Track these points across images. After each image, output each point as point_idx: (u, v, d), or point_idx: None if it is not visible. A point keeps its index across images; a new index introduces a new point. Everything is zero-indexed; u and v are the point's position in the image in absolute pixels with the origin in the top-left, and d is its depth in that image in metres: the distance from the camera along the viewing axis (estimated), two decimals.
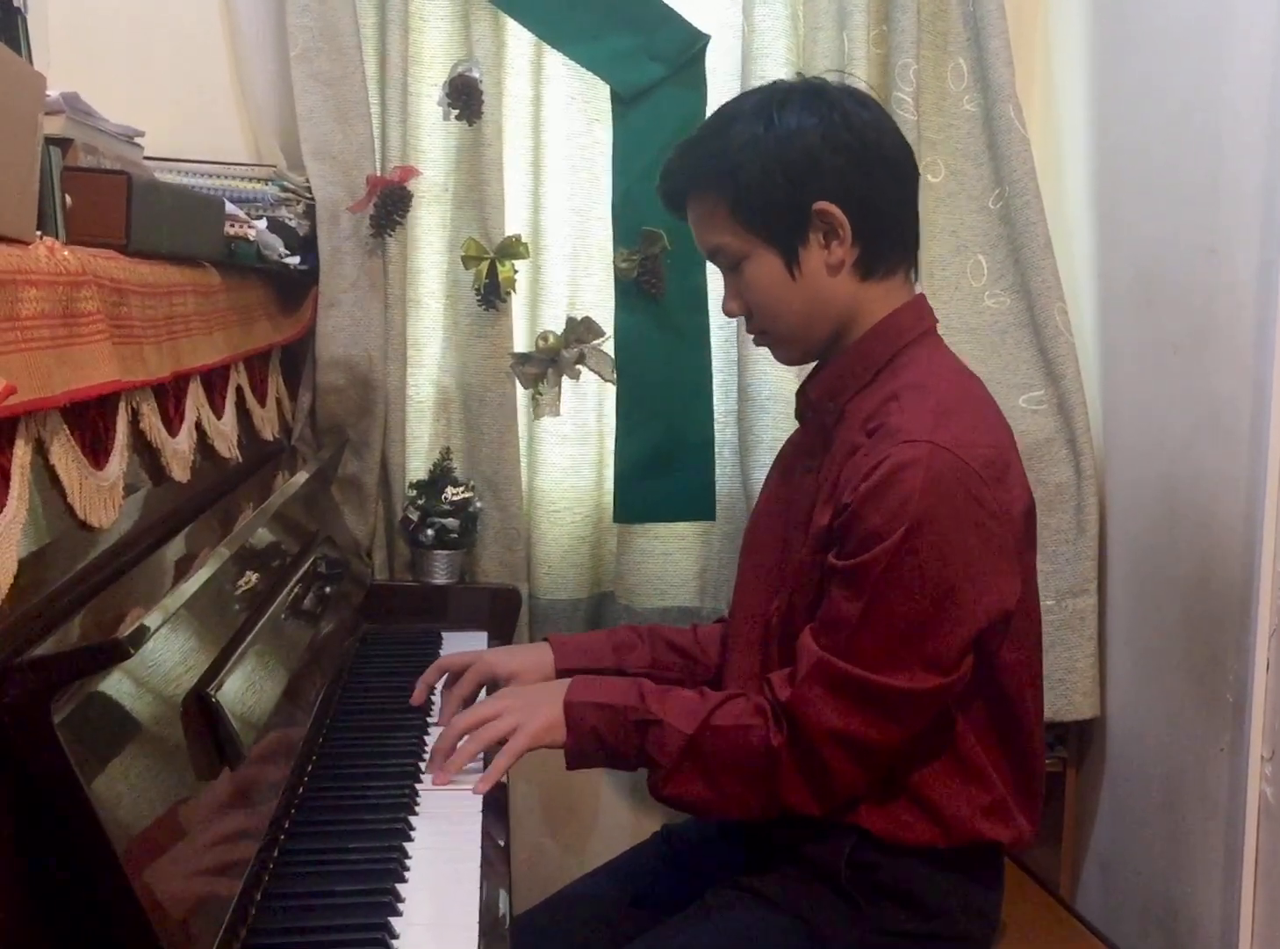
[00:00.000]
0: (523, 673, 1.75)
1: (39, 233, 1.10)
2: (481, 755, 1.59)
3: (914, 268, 1.66)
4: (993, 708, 1.55)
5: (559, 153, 2.38)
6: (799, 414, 1.72)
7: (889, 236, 1.59)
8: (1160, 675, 2.13)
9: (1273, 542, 1.81)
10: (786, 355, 1.70)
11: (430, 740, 1.69)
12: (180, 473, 1.44)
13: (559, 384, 2.37)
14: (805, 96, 1.57)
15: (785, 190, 1.54)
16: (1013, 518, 1.50)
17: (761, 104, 1.58)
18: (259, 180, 2.13)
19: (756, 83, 2.21)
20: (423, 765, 1.61)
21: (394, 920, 1.25)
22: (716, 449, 2.42)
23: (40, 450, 1.07)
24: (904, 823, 1.53)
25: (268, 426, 1.98)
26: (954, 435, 1.46)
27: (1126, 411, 2.25)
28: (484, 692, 1.76)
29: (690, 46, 2.34)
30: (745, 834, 1.65)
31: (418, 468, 2.37)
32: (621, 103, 2.34)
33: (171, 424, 1.44)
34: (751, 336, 1.69)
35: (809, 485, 1.61)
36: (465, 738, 1.57)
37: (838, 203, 1.54)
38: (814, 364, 1.69)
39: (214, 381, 1.67)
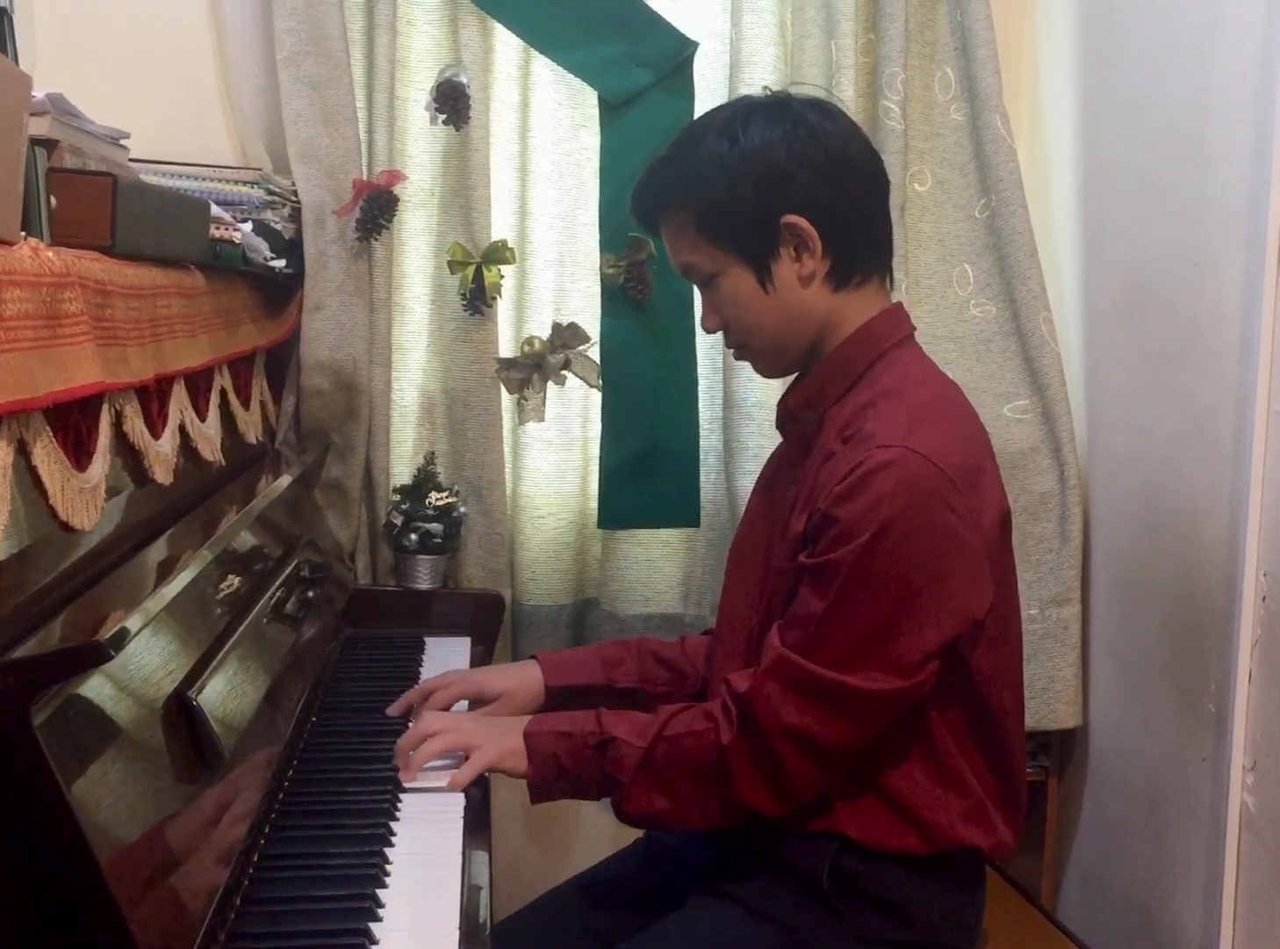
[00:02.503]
0: (513, 691, 1.75)
1: (23, 233, 1.10)
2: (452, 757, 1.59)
3: (889, 276, 1.66)
4: (970, 714, 1.55)
5: (546, 158, 2.38)
6: (780, 425, 1.72)
7: (860, 246, 1.59)
8: (1143, 685, 2.14)
9: (1255, 552, 1.82)
10: (766, 368, 1.70)
11: None
12: (163, 475, 1.43)
13: (544, 390, 2.37)
14: (769, 111, 1.58)
15: (753, 205, 1.55)
16: (985, 525, 1.50)
17: (727, 121, 1.59)
18: (245, 183, 2.13)
19: (744, 90, 2.23)
20: None
21: (374, 926, 1.25)
22: (701, 456, 2.41)
23: (22, 451, 1.06)
24: (884, 829, 1.53)
25: (251, 430, 1.97)
26: (928, 441, 1.47)
27: (1111, 421, 2.26)
28: (466, 706, 1.77)
29: (678, 53, 2.34)
30: (727, 841, 1.64)
31: (401, 472, 2.37)
32: (609, 109, 2.34)
33: (155, 426, 1.43)
34: (732, 352, 1.70)
35: (789, 496, 1.61)
36: (431, 738, 1.58)
37: (806, 215, 1.55)
38: (795, 376, 1.69)
39: (198, 384, 1.67)
